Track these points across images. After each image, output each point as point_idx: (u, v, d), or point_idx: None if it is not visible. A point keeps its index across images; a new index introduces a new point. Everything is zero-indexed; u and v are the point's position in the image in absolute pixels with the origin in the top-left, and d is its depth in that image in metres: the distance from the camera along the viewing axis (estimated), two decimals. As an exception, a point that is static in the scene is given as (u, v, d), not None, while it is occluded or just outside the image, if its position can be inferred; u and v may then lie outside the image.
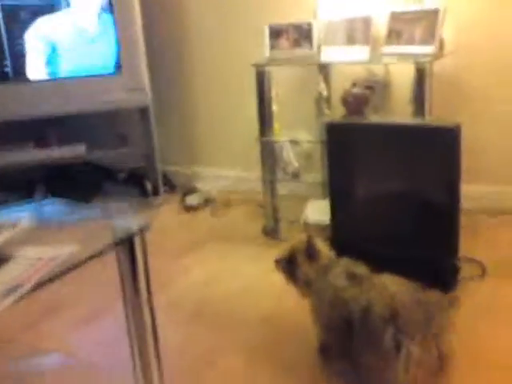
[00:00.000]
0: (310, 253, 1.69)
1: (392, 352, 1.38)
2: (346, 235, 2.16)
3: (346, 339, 1.51)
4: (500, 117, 2.60)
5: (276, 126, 2.57)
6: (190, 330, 1.97)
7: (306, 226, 2.54)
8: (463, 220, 2.11)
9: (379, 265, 1.55)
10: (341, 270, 1.62)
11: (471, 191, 2.55)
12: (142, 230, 1.37)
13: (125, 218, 1.48)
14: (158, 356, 1.42)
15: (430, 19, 2.20)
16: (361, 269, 1.61)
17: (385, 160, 2.05)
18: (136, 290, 1.40)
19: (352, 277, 1.58)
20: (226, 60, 3.08)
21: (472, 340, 1.68)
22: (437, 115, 2.22)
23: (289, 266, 1.72)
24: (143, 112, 3.08)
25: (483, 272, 2.10)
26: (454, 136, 1.84)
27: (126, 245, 1.35)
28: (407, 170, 2.01)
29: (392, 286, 1.48)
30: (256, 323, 1.98)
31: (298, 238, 1.76)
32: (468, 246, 2.11)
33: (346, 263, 1.66)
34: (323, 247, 1.72)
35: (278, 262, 1.75)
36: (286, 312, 2.02)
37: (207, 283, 2.28)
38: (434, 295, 1.45)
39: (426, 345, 1.37)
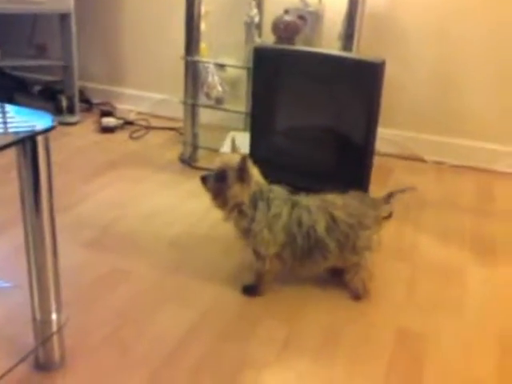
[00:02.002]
0: (243, 175, 1.57)
1: (363, 247, 1.65)
2: (263, 166, 2.12)
3: (310, 251, 1.62)
4: (425, 63, 2.62)
5: (203, 46, 2.45)
6: (94, 250, 1.90)
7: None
8: (377, 161, 2.17)
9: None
10: (281, 198, 1.62)
11: (387, 134, 2.63)
12: (46, 131, 1.23)
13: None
14: (55, 274, 1.35)
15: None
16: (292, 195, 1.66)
17: (309, 92, 2.02)
18: (36, 200, 1.27)
19: (293, 204, 1.63)
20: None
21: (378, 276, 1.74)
22: (364, 53, 2.21)
23: (217, 184, 1.59)
24: (64, 19, 2.85)
25: (390, 214, 2.15)
26: (377, 71, 1.83)
27: (28, 145, 1.21)
28: (329, 104, 2.00)
29: (336, 200, 1.66)
30: (163, 247, 1.94)
31: (229, 156, 1.65)
32: (378, 187, 2.15)
33: (280, 191, 1.64)
34: (254, 169, 1.62)
35: (204, 178, 1.60)
36: (197, 239, 1.99)
37: (117, 206, 2.20)
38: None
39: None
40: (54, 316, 1.36)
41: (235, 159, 1.59)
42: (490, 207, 2.33)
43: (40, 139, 1.22)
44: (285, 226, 1.61)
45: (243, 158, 1.57)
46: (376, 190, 2.10)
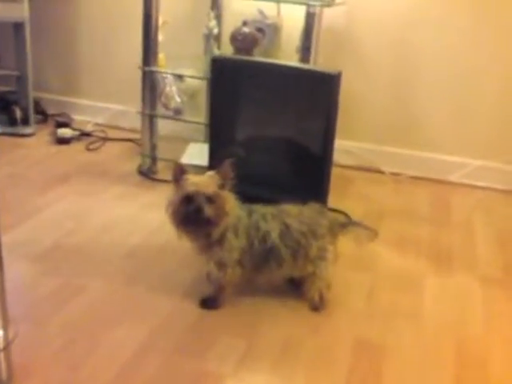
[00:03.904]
0: (224, 186, 1.54)
1: (317, 256, 1.65)
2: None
3: (265, 258, 1.62)
4: (382, 76, 2.67)
5: (161, 57, 2.43)
6: (47, 265, 1.83)
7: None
8: (336, 172, 2.19)
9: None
10: (239, 205, 1.60)
11: (346, 146, 2.65)
12: None
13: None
14: (1, 290, 1.29)
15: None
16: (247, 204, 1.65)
17: (267, 103, 2.02)
18: None
19: (250, 210, 1.63)
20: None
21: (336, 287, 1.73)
22: (322, 65, 2.22)
23: (212, 208, 1.51)
24: (18, 28, 2.78)
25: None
26: (333, 82, 1.84)
27: None
28: (288, 115, 2.00)
29: (291, 209, 1.67)
30: (119, 260, 1.89)
31: (198, 179, 1.55)
32: (337, 198, 2.17)
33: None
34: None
35: (200, 210, 1.50)
36: (153, 251, 1.95)
37: (71, 219, 2.14)
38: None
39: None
40: (0, 333, 1.30)
41: (205, 179, 1.54)
42: (445, 217, 2.36)
43: None
44: (245, 229, 1.60)
45: (226, 166, 1.56)
46: (335, 200, 2.12)
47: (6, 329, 1.31)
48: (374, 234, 1.73)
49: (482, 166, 2.65)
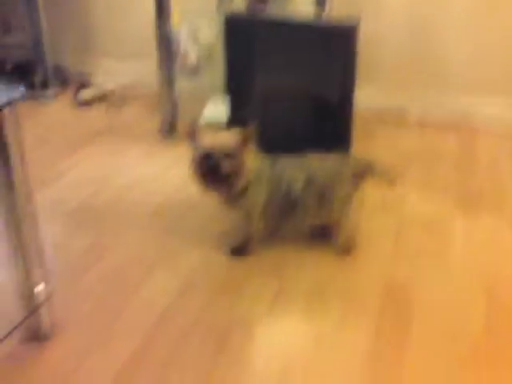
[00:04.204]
0: (247, 144, 1.55)
1: (343, 203, 1.65)
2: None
3: (290, 207, 1.63)
4: (401, 17, 2.59)
5: (175, 16, 2.40)
6: (75, 224, 1.88)
7: (205, 124, 2.45)
8: (360, 120, 2.16)
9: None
10: (262, 156, 1.61)
11: (369, 93, 2.61)
12: (11, 103, 1.21)
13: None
14: (38, 245, 1.33)
15: None
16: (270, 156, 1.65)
17: (284, 57, 1.98)
18: (8, 174, 1.24)
19: (273, 161, 1.64)
20: None
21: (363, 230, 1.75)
22: (338, 11, 2.18)
23: (230, 163, 1.52)
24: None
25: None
26: (350, 35, 1.82)
27: None
28: (305, 69, 1.97)
29: (314, 160, 1.67)
30: (146, 217, 1.92)
31: (216, 135, 1.58)
32: (362, 145, 2.15)
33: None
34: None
35: (215, 166, 1.51)
36: (179, 207, 1.98)
37: (97, 179, 2.17)
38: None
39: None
40: (40, 287, 1.35)
41: (223, 136, 1.56)
42: (473, 160, 2.33)
43: (7, 112, 1.19)
44: (268, 180, 1.61)
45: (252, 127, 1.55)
46: (360, 148, 2.10)
47: (45, 283, 1.36)
48: (397, 176, 1.73)
49: (509, 105, 2.58)
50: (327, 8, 2.17)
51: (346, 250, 1.71)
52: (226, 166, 1.51)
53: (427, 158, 2.36)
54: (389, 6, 2.59)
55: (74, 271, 1.65)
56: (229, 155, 1.51)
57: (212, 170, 1.51)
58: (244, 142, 1.54)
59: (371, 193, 1.76)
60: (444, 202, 2.02)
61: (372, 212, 1.87)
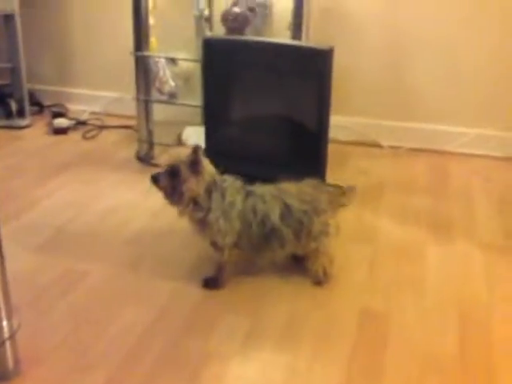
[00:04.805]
0: (196, 167, 1.54)
1: (319, 232, 1.64)
2: (220, 156, 2.11)
3: (266, 239, 1.62)
4: (376, 49, 2.65)
5: (153, 41, 2.41)
6: (48, 253, 1.84)
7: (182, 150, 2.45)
8: (334, 148, 2.19)
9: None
10: (234, 187, 1.61)
11: (343, 121, 2.65)
12: None
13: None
14: (3, 280, 1.30)
15: None
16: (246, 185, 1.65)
17: (260, 81, 2.01)
18: None
19: (247, 193, 1.62)
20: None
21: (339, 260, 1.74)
22: (314, 41, 2.21)
23: (170, 180, 1.55)
24: (8, 20, 2.77)
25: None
26: (325, 57, 1.84)
27: None
28: (282, 92, 1.99)
29: (290, 188, 1.65)
30: (121, 245, 1.90)
31: (179, 151, 1.61)
32: (336, 173, 2.17)
33: (232, 181, 1.63)
34: (205, 161, 1.59)
35: (156, 177, 1.56)
36: (155, 235, 1.96)
37: (72, 207, 2.14)
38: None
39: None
40: (4, 323, 1.31)
41: (185, 153, 1.56)
42: (445, 187, 2.36)
43: None
44: (240, 213, 1.59)
45: (195, 150, 1.54)
46: (334, 176, 2.11)
47: (9, 319, 1.32)
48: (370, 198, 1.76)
49: (479, 135, 2.64)
50: (303, 36, 2.20)
51: (322, 280, 1.70)
52: (163, 180, 1.55)
53: (400, 185, 2.38)
54: (363, 38, 2.64)
55: (44, 303, 1.61)
56: (172, 172, 1.55)
57: (155, 182, 1.57)
58: (191, 163, 1.54)
59: (345, 220, 1.75)
60: (417, 228, 2.03)
61: (346, 240, 1.86)
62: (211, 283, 1.68)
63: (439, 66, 2.61)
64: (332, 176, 2.09)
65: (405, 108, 2.71)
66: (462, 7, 2.49)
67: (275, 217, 1.60)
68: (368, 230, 2.01)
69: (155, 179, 1.57)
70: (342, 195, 1.71)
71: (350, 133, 2.73)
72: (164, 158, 1.61)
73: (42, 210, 2.12)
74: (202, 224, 1.61)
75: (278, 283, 1.71)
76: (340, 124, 2.54)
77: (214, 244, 1.64)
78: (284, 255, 1.70)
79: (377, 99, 2.72)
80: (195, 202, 1.58)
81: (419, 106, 2.69)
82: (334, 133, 2.11)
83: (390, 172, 2.50)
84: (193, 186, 1.55)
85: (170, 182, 1.56)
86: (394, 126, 2.73)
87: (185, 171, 1.54)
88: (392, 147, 2.72)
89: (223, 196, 1.59)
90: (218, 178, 1.61)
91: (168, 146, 2.47)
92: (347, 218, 1.74)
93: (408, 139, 2.71)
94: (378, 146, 2.73)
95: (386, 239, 1.96)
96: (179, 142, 2.52)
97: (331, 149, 2.09)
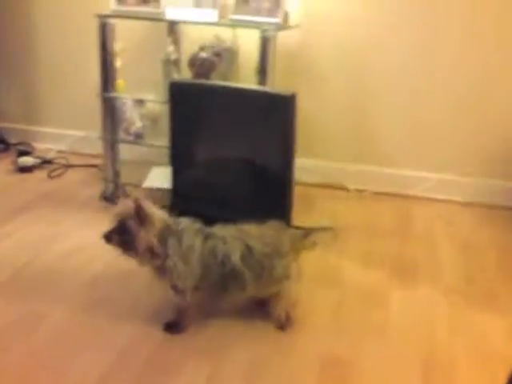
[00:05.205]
0: (142, 217, 1.54)
1: (282, 275, 1.63)
2: (185, 198, 2.13)
3: (226, 282, 1.61)
4: (339, 95, 2.72)
5: (120, 82, 2.43)
6: (5, 295, 1.80)
7: (147, 191, 2.45)
8: (299, 191, 2.21)
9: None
10: (192, 230, 1.60)
11: (309, 164, 2.69)
12: None
13: None
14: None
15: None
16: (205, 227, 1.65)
17: (225, 124, 2.03)
18: None
19: (206, 235, 1.62)
20: (69, 10, 2.87)
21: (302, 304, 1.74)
22: (279, 86, 2.26)
23: (122, 237, 1.55)
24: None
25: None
26: (289, 103, 1.87)
27: None
28: (246, 136, 2.02)
29: (252, 230, 1.65)
30: (81, 287, 1.87)
31: (121, 205, 1.62)
32: (301, 215, 2.17)
33: (189, 223, 1.62)
34: (153, 208, 1.59)
35: (107, 236, 1.57)
36: (117, 276, 1.93)
37: (34, 246, 2.11)
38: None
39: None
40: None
41: (130, 205, 1.55)
42: (408, 231, 2.40)
43: None
44: (199, 256, 1.58)
45: (136, 202, 1.53)
46: (300, 218, 2.12)
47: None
48: (335, 233, 1.76)
49: (441, 180, 2.71)
50: (268, 82, 2.24)
51: (285, 323, 1.68)
52: (113, 235, 1.56)
53: (365, 228, 2.41)
54: (327, 83, 2.70)
55: (1, 343, 1.56)
56: (120, 226, 1.55)
57: (108, 241, 1.58)
58: (137, 215, 1.54)
59: (308, 263, 1.76)
60: (381, 272, 2.05)
61: (311, 283, 1.87)
62: (173, 327, 1.65)
63: (401, 112, 2.68)
64: (297, 218, 2.10)
65: (369, 152, 2.76)
66: (424, 55, 2.58)
67: (236, 258, 1.59)
68: (332, 273, 2.02)
69: (107, 238, 1.57)
70: (305, 238, 1.71)
71: (316, 175, 2.76)
72: (112, 212, 1.60)
73: (2, 250, 2.07)
74: (161, 270, 1.59)
75: (241, 327, 1.69)
76: (305, 166, 2.58)
77: (174, 287, 1.61)
78: (245, 298, 1.69)
79: (340, 143, 2.78)
80: (151, 250, 1.56)
81: (382, 151, 2.75)
82: (299, 175, 2.14)
83: (354, 215, 2.53)
84: (144, 237, 1.54)
85: (122, 238, 1.56)
86: (359, 169, 2.78)
87: (133, 225, 1.54)
88: (357, 190, 2.76)
89: (180, 240, 1.58)
90: (171, 222, 1.60)
91: (133, 187, 2.47)
92: (311, 261, 1.75)
93: (372, 183, 2.76)
94: (343, 188, 2.77)
95: (351, 283, 1.97)
96: (144, 183, 2.50)
97: (297, 191, 2.10)
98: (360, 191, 2.76)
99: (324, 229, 1.75)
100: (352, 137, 2.76)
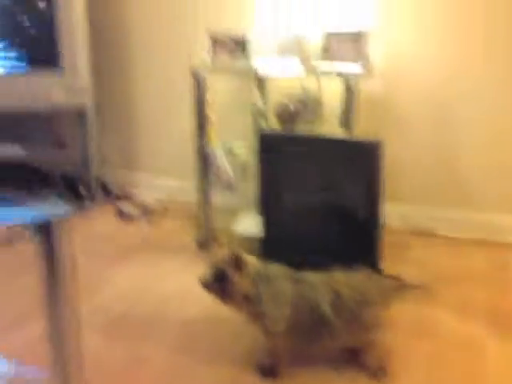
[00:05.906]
0: (239, 265, 1.64)
1: (372, 324, 1.65)
2: (275, 246, 2.20)
3: (316, 328, 1.63)
4: (422, 139, 2.70)
5: (212, 133, 2.57)
6: (111, 338, 1.93)
7: (239, 238, 2.54)
8: (390, 237, 2.20)
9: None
10: (282, 275, 1.67)
11: (400, 210, 2.67)
12: (60, 219, 1.27)
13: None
14: (79, 366, 1.37)
15: (359, 41, 2.29)
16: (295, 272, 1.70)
17: (312, 172, 2.11)
18: (55, 284, 1.27)
19: (296, 280, 1.67)
20: (166, 64, 3.10)
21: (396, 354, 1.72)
22: (363, 132, 2.29)
23: (219, 284, 1.65)
24: (82, 116, 3.02)
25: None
26: (374, 151, 1.92)
27: (43, 235, 1.24)
28: (334, 183, 2.07)
29: (340, 276, 1.69)
30: (179, 330, 1.97)
31: (219, 254, 1.71)
32: (391, 263, 2.16)
33: (279, 268, 1.69)
34: (248, 257, 1.69)
35: (205, 283, 1.66)
36: (210, 322, 2.01)
37: (134, 291, 2.25)
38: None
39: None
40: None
41: (227, 255, 1.65)
42: (504, 280, 2.30)
43: (56, 227, 1.25)
44: (289, 300, 1.63)
45: (233, 251, 1.65)
46: (389, 266, 2.11)
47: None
48: (429, 293, 1.74)
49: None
50: (353, 128, 2.29)
51: (378, 374, 1.68)
52: (209, 280, 1.65)
53: (457, 276, 2.34)
54: (413, 129, 2.69)
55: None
56: (219, 273, 1.64)
57: (205, 288, 1.68)
58: (234, 262, 1.63)
59: (402, 313, 1.75)
60: (478, 323, 1.99)
61: (404, 333, 1.85)
62: (266, 371, 1.70)
63: (493, 153, 2.61)
64: (387, 266, 2.08)
65: (458, 196, 2.69)
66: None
67: (325, 304, 1.62)
68: (427, 323, 1.98)
69: (206, 286, 1.66)
70: (397, 288, 1.72)
71: (405, 221, 2.73)
72: (209, 259, 1.72)
73: (105, 295, 2.23)
74: (254, 314, 1.66)
75: (334, 374, 1.70)
76: (394, 212, 2.57)
77: (266, 332, 1.67)
78: (337, 345, 1.71)
79: (431, 188, 2.73)
80: (245, 296, 1.64)
81: (473, 194, 2.68)
82: (389, 221, 2.14)
83: (447, 262, 2.46)
84: (241, 285, 1.63)
85: (220, 285, 1.65)
86: (449, 214, 2.72)
87: (231, 273, 1.63)
88: (448, 235, 2.68)
89: (270, 284, 1.65)
90: (261, 267, 1.68)
91: (225, 232, 2.57)
92: (404, 310, 1.73)
93: (464, 228, 2.68)
94: (435, 235, 2.70)
95: (446, 334, 1.93)
96: (235, 229, 2.61)
97: (386, 237, 2.10)
98: (451, 238, 2.68)
99: (416, 286, 1.74)
100: (440, 181, 2.71)
